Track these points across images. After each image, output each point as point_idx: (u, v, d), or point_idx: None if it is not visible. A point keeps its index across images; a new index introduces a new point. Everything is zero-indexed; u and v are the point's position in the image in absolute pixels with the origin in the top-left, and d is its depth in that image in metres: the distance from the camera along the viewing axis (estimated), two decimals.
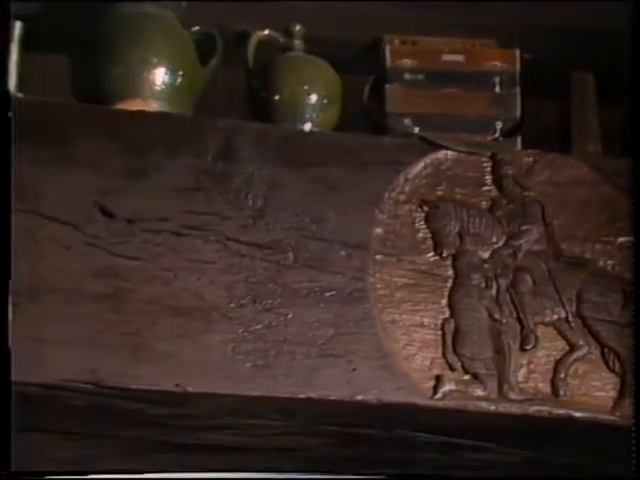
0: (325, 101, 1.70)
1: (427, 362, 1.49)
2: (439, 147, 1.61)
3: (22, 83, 1.58)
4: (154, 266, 1.40)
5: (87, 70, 1.62)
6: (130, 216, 1.42)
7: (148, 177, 1.45)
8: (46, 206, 1.39)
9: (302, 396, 1.40)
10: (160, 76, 1.59)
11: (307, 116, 1.68)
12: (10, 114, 1.35)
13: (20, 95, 1.53)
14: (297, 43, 1.74)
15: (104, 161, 1.44)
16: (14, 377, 1.25)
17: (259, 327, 1.41)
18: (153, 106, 1.56)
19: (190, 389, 1.36)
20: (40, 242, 1.37)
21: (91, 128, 1.47)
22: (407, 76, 1.74)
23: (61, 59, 1.68)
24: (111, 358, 1.35)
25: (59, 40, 1.69)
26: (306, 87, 1.69)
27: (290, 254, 1.46)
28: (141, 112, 1.54)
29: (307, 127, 1.67)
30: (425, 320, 1.51)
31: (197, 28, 1.68)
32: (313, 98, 1.69)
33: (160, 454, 1.64)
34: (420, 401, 1.46)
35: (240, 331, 1.40)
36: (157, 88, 1.58)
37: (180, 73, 1.60)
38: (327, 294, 1.46)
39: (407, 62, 1.74)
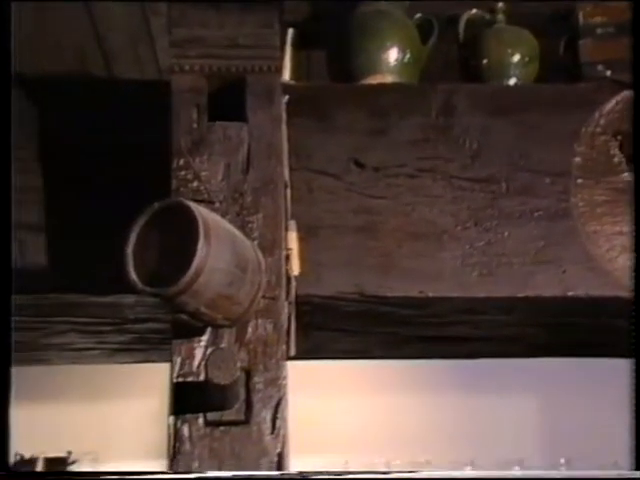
0: (526, 59, 1.64)
1: (628, 262, 1.42)
2: (629, 87, 1.52)
3: (294, 74, 1.66)
4: (397, 203, 1.42)
5: (340, 58, 1.67)
6: (376, 165, 1.44)
7: (388, 134, 1.46)
8: (315, 163, 1.43)
9: (520, 295, 1.38)
10: (393, 55, 1.61)
11: (511, 73, 1.63)
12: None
13: (293, 82, 1.60)
14: (499, 17, 1.68)
15: (355, 125, 1.46)
16: (300, 291, 1.30)
17: (481, 244, 1.40)
18: (388, 79, 1.58)
19: (430, 294, 1.38)
20: (313, 191, 1.42)
21: (345, 101, 1.49)
22: (598, 30, 1.65)
23: (321, 53, 1.73)
24: (370, 275, 1.39)
25: (318, 39, 1.74)
26: (509, 50, 1.65)
27: (503, 184, 1.43)
28: (380, 84, 1.56)
29: (512, 82, 1.63)
30: (624, 229, 1.44)
31: (419, 15, 1.67)
32: (516, 58, 1.64)
33: (410, 345, 1.66)
34: (623, 294, 1.40)
35: (467, 248, 1.39)
36: (391, 65, 1.61)
37: (407, 52, 1.62)
38: (536, 214, 1.41)
39: (598, 19, 1.65)
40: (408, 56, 1.61)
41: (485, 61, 1.65)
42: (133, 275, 1.04)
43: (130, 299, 1.41)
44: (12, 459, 4.47)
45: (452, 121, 1.46)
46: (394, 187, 1.43)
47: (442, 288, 1.38)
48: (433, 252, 1.40)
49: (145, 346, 1.70)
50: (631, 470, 1.21)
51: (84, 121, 1.49)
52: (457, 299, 1.40)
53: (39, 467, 3.94)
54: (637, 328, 1.29)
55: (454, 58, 1.71)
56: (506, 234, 1.41)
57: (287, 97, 1.40)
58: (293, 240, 1.29)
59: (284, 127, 1.35)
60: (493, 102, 1.49)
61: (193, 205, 1.06)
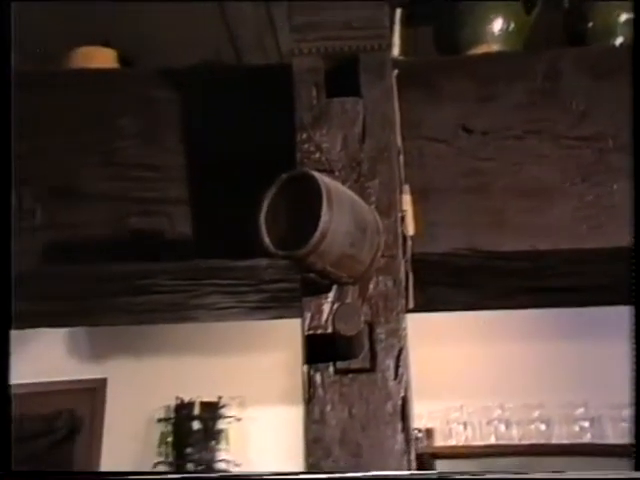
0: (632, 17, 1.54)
1: None
2: None
3: (403, 50, 1.62)
4: (505, 163, 1.37)
5: (445, 31, 1.62)
6: (484, 130, 1.40)
7: (495, 100, 1.41)
8: (426, 131, 1.40)
9: (628, 245, 1.32)
10: (497, 26, 1.55)
11: (618, 32, 1.54)
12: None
13: (402, 57, 1.57)
14: None
15: (462, 93, 1.42)
16: (416, 250, 1.28)
17: (590, 198, 1.34)
18: (494, 48, 1.53)
19: (541, 247, 1.34)
20: (425, 156, 1.39)
21: (452, 71, 1.45)
22: None
23: (427, 29, 1.69)
24: (482, 232, 1.35)
25: (424, 16, 1.70)
26: (615, 11, 1.55)
27: (610, 141, 1.36)
28: (486, 54, 1.51)
29: (618, 42, 1.54)
30: None
31: None
32: (622, 18, 1.54)
33: (520, 296, 1.61)
34: None
35: (574, 203, 1.34)
36: (495, 35, 1.55)
37: (511, 22, 1.56)
38: None
39: None
40: (512, 26, 1.55)
41: (590, 24, 1.56)
42: (267, 240, 1.06)
43: (264, 262, 1.43)
44: (173, 402, 4.70)
45: (558, 85, 1.40)
46: (502, 149, 1.38)
47: (552, 241, 1.34)
48: (543, 208, 1.35)
49: (278, 304, 1.72)
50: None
51: (219, 105, 1.52)
52: (567, 251, 1.35)
53: (196, 409, 4.11)
54: None
55: (557, 26, 1.62)
56: (615, 187, 1.34)
57: (397, 71, 1.37)
58: (408, 202, 1.27)
59: (396, 99, 1.33)
60: (599, 64, 1.41)
61: (317, 174, 1.06)
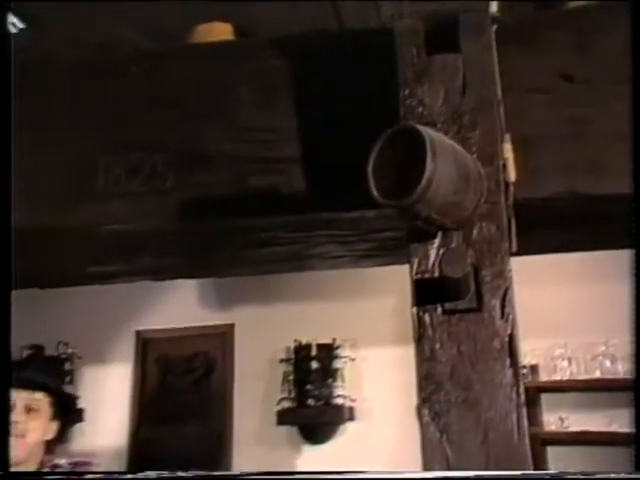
0: None
1: None
2: None
3: (500, 6, 1.54)
4: (605, 110, 1.30)
5: None
6: (584, 78, 1.33)
7: (594, 49, 1.34)
8: (525, 82, 1.35)
9: None
10: None
11: None
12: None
13: (499, 15, 1.50)
14: None
15: (562, 44, 1.36)
16: (517, 195, 1.24)
17: None
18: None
19: None
20: (525, 106, 1.33)
21: (549, 24, 1.39)
22: None
23: None
24: (582, 176, 1.30)
25: None
26: None
27: None
28: (581, 6, 1.42)
29: None
30: None
31: None
32: None
33: (618, 237, 1.52)
34: None
35: None
36: None
37: None
38: None
39: None
40: None
41: None
42: (375, 191, 1.05)
43: (372, 213, 1.42)
44: (293, 345, 4.77)
45: None
46: (602, 96, 1.31)
47: None
48: None
49: (386, 252, 1.71)
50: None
51: (327, 68, 1.51)
52: None
53: (313, 350, 4.19)
54: None
55: None
56: None
57: (495, 26, 1.31)
58: (508, 150, 1.23)
59: (494, 53, 1.28)
60: None
61: (420, 127, 1.04)
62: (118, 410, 4.13)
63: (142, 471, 1.05)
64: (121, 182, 1.94)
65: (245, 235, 1.72)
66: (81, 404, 4.01)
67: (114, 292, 3.58)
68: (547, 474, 1.11)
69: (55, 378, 3.28)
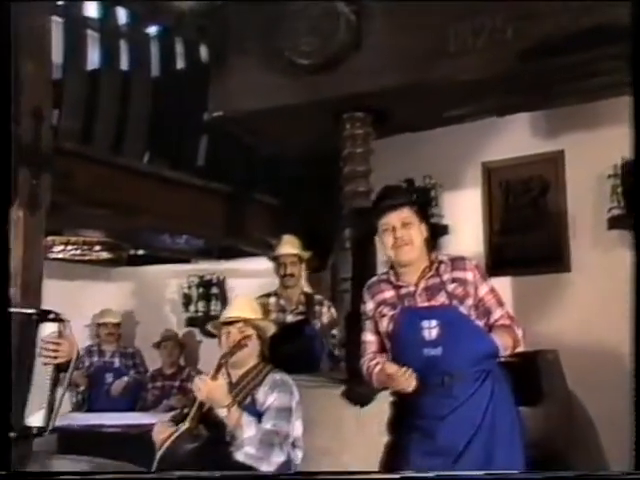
0: None
1: None
2: None
3: None
4: None
5: None
6: None
7: None
8: None
9: None
10: None
11: None
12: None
13: None
14: None
15: None
16: None
17: None
18: None
19: None
20: None
21: None
22: None
23: None
24: None
25: None
26: None
27: None
28: None
29: None
30: None
31: None
32: None
33: None
34: None
35: None
36: None
37: None
38: None
39: None
40: None
41: None
42: None
43: None
44: (619, 162, 4.70)
45: None
46: None
47: None
48: None
49: None
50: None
51: None
52: None
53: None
54: None
55: None
56: None
57: None
58: None
59: None
60: None
61: None
62: (473, 225, 4.67)
63: None
64: (468, 42, 2.27)
65: (574, 69, 1.92)
66: (445, 221, 4.62)
67: (464, 130, 3.99)
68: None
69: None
